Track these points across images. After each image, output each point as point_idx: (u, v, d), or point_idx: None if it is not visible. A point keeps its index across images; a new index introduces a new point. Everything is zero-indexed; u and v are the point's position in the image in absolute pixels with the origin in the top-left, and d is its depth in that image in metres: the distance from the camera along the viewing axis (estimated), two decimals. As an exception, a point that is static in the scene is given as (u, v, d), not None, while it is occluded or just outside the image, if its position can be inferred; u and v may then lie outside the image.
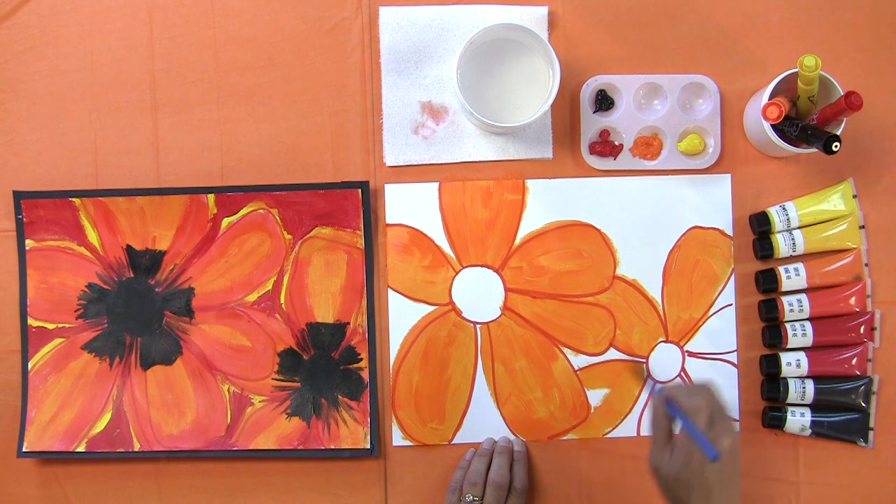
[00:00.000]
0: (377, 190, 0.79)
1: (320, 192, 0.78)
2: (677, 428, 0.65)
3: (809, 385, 0.77)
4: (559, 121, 0.79)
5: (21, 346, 0.79)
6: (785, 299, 0.77)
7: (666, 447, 0.65)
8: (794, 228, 0.78)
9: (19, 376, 0.79)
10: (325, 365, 0.79)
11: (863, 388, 0.77)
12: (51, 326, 0.79)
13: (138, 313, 0.79)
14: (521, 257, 0.79)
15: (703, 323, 0.79)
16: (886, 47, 0.79)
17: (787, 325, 0.77)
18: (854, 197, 0.78)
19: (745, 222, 0.79)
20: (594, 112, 0.79)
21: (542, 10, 0.79)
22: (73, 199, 0.79)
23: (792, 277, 0.77)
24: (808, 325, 0.77)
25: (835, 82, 0.72)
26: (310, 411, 0.78)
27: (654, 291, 0.79)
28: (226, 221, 0.79)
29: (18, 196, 0.79)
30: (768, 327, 0.78)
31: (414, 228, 0.79)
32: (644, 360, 0.79)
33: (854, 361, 0.77)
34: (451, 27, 0.79)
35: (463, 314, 0.79)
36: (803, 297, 0.77)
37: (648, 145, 0.79)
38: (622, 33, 0.80)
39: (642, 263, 0.79)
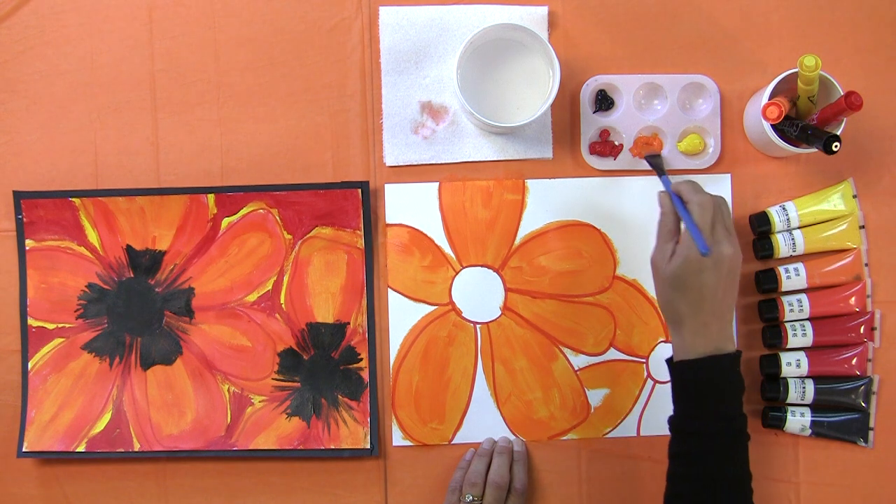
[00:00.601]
0: (377, 190, 0.79)
1: (320, 192, 0.78)
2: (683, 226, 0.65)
3: (809, 385, 0.77)
4: (559, 121, 0.79)
5: (21, 346, 0.79)
6: (785, 299, 0.77)
7: (668, 244, 0.65)
8: (794, 228, 0.78)
9: (19, 376, 0.79)
10: (325, 365, 0.79)
11: (863, 388, 0.77)
12: (51, 326, 0.79)
13: (138, 313, 0.79)
14: (521, 257, 0.79)
15: (703, 323, 0.79)
16: (886, 47, 0.79)
17: (787, 325, 0.77)
18: (854, 197, 0.78)
19: (745, 222, 0.79)
20: (594, 112, 0.79)
21: (542, 10, 0.79)
22: (73, 199, 0.79)
23: (792, 277, 0.77)
24: (808, 325, 0.77)
25: (835, 82, 0.72)
26: (310, 411, 0.78)
27: (654, 291, 0.79)
28: (226, 221, 0.79)
29: (18, 196, 0.79)
30: (768, 327, 0.78)
31: (414, 228, 0.79)
32: (644, 361, 0.79)
33: (854, 361, 0.77)
34: (451, 27, 0.79)
35: (463, 314, 0.79)
36: (803, 297, 0.77)
37: (648, 145, 0.79)
38: (622, 33, 0.80)
39: (642, 263, 0.79)
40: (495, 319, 0.79)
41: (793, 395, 0.76)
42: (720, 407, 0.63)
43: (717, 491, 0.62)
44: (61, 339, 0.79)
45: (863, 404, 0.77)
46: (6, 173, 0.80)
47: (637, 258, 0.79)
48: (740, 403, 0.64)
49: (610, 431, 0.79)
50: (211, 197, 0.78)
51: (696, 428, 0.64)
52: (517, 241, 0.79)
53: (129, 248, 0.79)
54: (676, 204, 0.66)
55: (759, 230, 0.78)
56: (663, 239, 0.67)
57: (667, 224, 0.67)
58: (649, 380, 0.79)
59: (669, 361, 0.66)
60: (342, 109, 0.79)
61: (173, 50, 0.79)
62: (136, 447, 0.78)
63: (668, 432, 0.78)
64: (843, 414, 0.77)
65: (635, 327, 0.79)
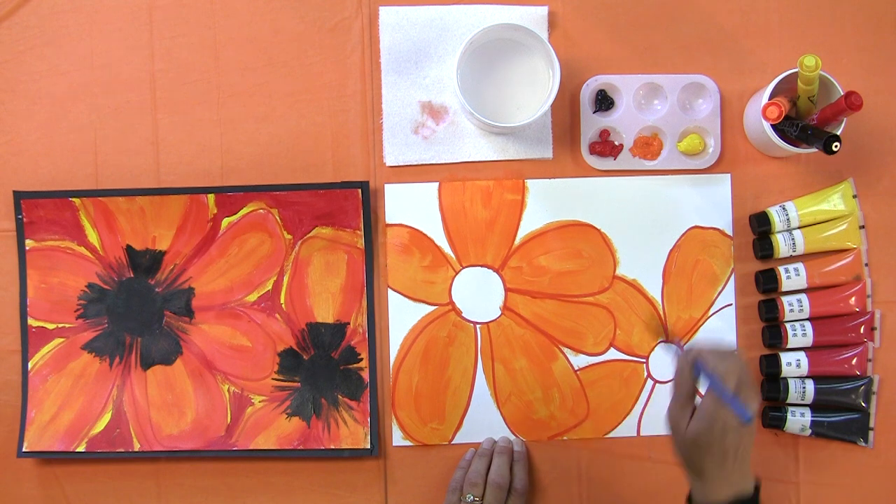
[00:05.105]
0: (377, 190, 0.79)
1: (320, 192, 0.78)
2: (702, 389, 0.64)
3: (809, 385, 0.77)
4: (559, 121, 0.79)
5: (21, 346, 0.79)
6: (785, 299, 0.77)
7: (687, 407, 0.64)
8: (794, 228, 0.78)
9: (19, 376, 0.79)
10: (325, 365, 0.79)
11: (863, 388, 0.77)
12: (51, 326, 0.79)
13: (138, 313, 0.79)
14: (521, 257, 0.79)
15: (703, 323, 0.79)
16: (886, 47, 0.79)
17: (787, 325, 0.77)
18: (854, 197, 0.78)
19: (745, 222, 0.79)
20: (594, 112, 0.79)
21: (542, 10, 0.79)
22: (73, 199, 0.79)
23: (792, 277, 0.77)
24: (808, 325, 0.77)
25: (835, 82, 0.72)
26: (310, 411, 0.78)
27: (654, 291, 0.79)
28: (226, 221, 0.79)
29: (18, 196, 0.79)
30: (768, 327, 0.78)
31: (414, 228, 0.79)
32: (644, 361, 0.79)
33: (854, 361, 0.77)
34: (451, 27, 0.79)
35: (463, 314, 0.79)
36: (803, 297, 0.77)
37: (648, 145, 0.79)
38: (622, 33, 0.80)
39: (642, 263, 0.79)
40: (495, 319, 0.79)
41: (793, 395, 0.76)
42: None
43: None
44: (61, 339, 0.79)
45: (863, 404, 0.77)
46: (6, 173, 0.80)
47: (637, 258, 0.79)
48: None
49: (610, 431, 0.79)
50: (211, 197, 0.78)
51: None
52: (517, 241, 0.79)
53: (129, 248, 0.79)
54: (705, 374, 0.64)
55: (759, 230, 0.78)
56: (681, 402, 0.64)
57: (684, 386, 0.65)
58: (649, 380, 0.79)
59: (689, 501, 0.65)
60: (342, 109, 0.79)
61: (173, 50, 0.79)
62: (136, 447, 0.78)
63: (667, 433, 0.78)
64: (843, 414, 0.77)
65: (635, 327, 0.79)
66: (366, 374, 0.78)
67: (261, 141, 0.79)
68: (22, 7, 0.79)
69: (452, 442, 0.79)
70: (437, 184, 0.79)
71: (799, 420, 0.77)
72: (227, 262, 0.79)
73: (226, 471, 0.79)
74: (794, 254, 0.78)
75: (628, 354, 0.79)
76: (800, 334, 0.77)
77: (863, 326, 0.77)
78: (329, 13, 0.79)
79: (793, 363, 0.77)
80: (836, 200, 0.78)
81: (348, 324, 0.79)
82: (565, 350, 0.79)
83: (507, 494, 0.73)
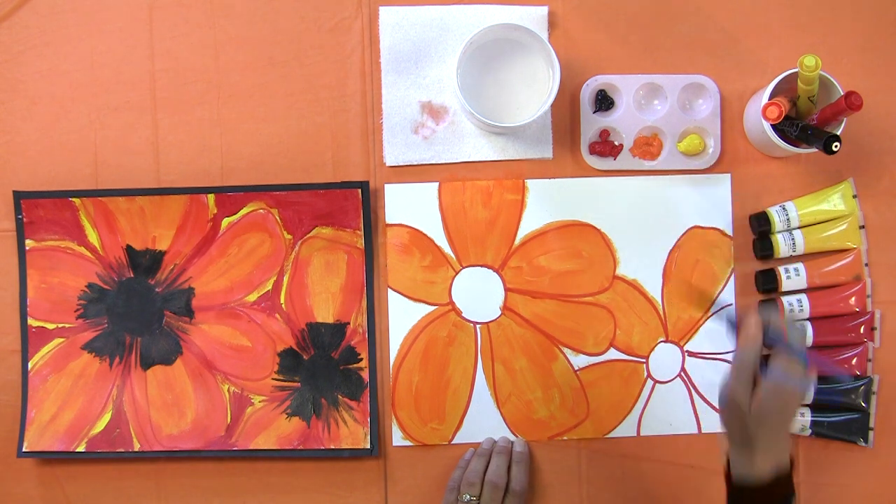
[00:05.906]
0: (377, 190, 0.79)
1: (320, 192, 0.78)
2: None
3: (809, 385, 0.77)
4: (559, 121, 0.79)
5: (21, 346, 0.79)
6: (785, 299, 0.77)
7: (750, 380, 0.62)
8: (794, 228, 0.78)
9: (19, 376, 0.79)
10: (325, 365, 0.79)
11: (863, 388, 0.77)
12: (51, 326, 0.79)
13: (138, 313, 0.79)
14: (521, 257, 0.79)
15: (703, 323, 0.79)
16: (886, 47, 0.79)
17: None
18: (854, 197, 0.78)
19: (745, 222, 0.79)
20: (594, 112, 0.79)
21: (542, 10, 0.79)
22: (73, 199, 0.79)
23: (792, 277, 0.77)
24: (808, 325, 0.77)
25: (835, 82, 0.72)
26: (310, 411, 0.78)
27: (654, 291, 0.79)
28: (226, 221, 0.79)
29: (18, 196, 0.79)
30: (768, 327, 0.78)
31: (414, 228, 0.79)
32: (644, 361, 0.79)
33: (854, 361, 0.77)
34: (451, 27, 0.79)
35: (463, 314, 0.79)
36: (803, 297, 0.77)
37: (648, 145, 0.79)
38: (622, 33, 0.80)
39: (642, 263, 0.79)
40: (495, 319, 0.79)
41: (793, 395, 0.76)
42: None
43: None
44: (61, 339, 0.79)
45: (863, 404, 0.77)
46: (6, 173, 0.80)
47: (637, 258, 0.79)
48: None
49: (610, 431, 0.79)
50: (211, 197, 0.78)
51: None
52: (517, 241, 0.79)
53: (129, 248, 0.79)
54: (775, 340, 0.63)
55: (759, 230, 0.78)
56: (743, 372, 0.62)
57: (749, 355, 0.62)
58: (649, 380, 0.79)
59: (728, 478, 0.63)
60: (342, 109, 0.79)
61: (173, 50, 0.79)
62: (136, 447, 0.78)
63: (667, 433, 0.78)
64: (843, 414, 0.77)
65: (635, 327, 0.79)
66: (366, 374, 0.78)
67: (261, 141, 0.79)
68: (22, 7, 0.79)
69: (452, 442, 0.79)
70: (437, 184, 0.79)
71: (799, 420, 0.77)
72: (227, 262, 0.79)
73: (226, 471, 0.79)
74: (794, 254, 0.78)
75: (628, 354, 0.79)
76: (800, 334, 0.77)
77: (863, 326, 0.77)
78: (329, 13, 0.79)
79: (793, 363, 0.77)
80: (836, 200, 0.78)
81: (348, 324, 0.79)
82: (565, 350, 0.79)
83: (504, 494, 0.73)
